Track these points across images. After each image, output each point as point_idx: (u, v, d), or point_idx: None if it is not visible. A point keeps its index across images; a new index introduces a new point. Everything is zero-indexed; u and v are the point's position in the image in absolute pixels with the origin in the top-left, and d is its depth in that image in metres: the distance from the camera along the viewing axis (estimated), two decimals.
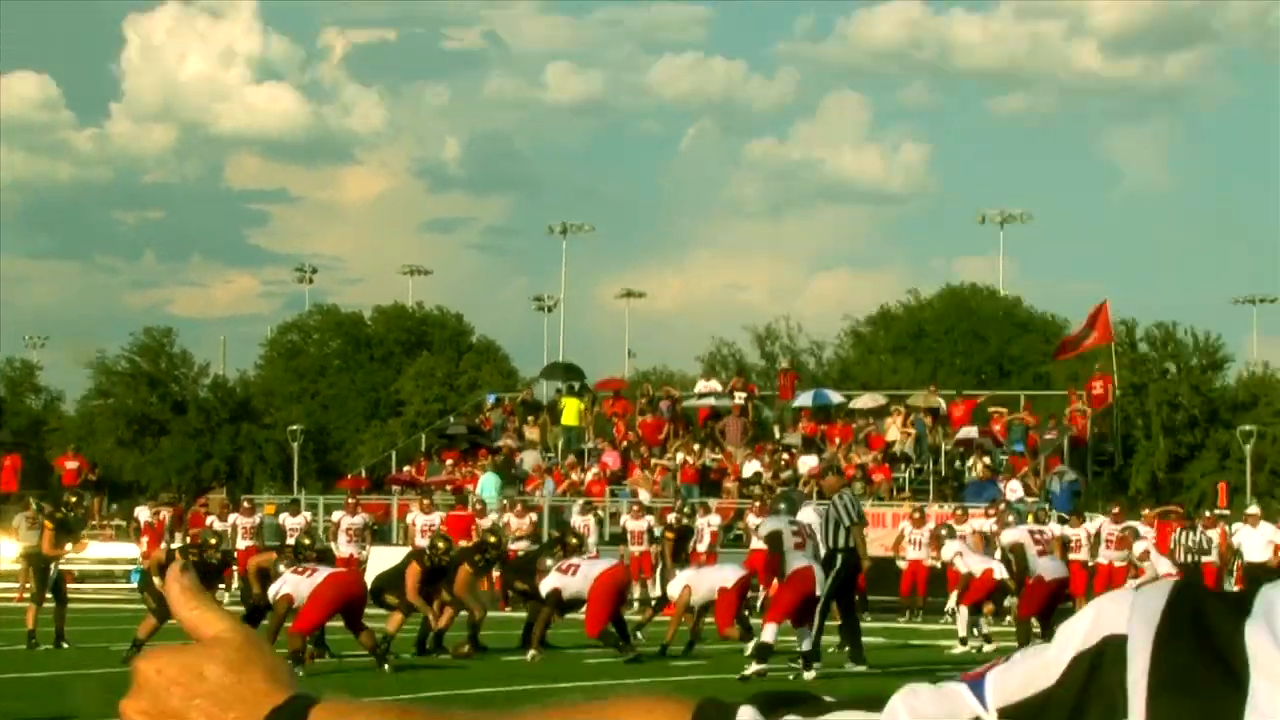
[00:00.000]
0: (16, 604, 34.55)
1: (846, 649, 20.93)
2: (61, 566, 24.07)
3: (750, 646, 20.09)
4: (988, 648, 23.04)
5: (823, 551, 20.17)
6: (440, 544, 21.31)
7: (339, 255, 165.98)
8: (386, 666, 19.35)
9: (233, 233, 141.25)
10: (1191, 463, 65.82)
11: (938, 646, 24.76)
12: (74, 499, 24.52)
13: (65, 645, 22.59)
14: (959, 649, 23.39)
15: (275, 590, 19.90)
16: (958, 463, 40.65)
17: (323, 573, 20.16)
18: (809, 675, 18.67)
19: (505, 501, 38.18)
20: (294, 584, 19.89)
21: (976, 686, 1.55)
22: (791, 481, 39.34)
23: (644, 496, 38.96)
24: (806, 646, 19.01)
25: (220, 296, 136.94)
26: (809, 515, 23.75)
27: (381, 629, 20.22)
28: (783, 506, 19.91)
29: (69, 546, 23.98)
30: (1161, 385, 66.48)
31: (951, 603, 25.69)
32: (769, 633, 18.65)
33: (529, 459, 43.84)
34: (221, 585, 24.05)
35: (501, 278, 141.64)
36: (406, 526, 37.55)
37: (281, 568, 20.18)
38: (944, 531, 26.78)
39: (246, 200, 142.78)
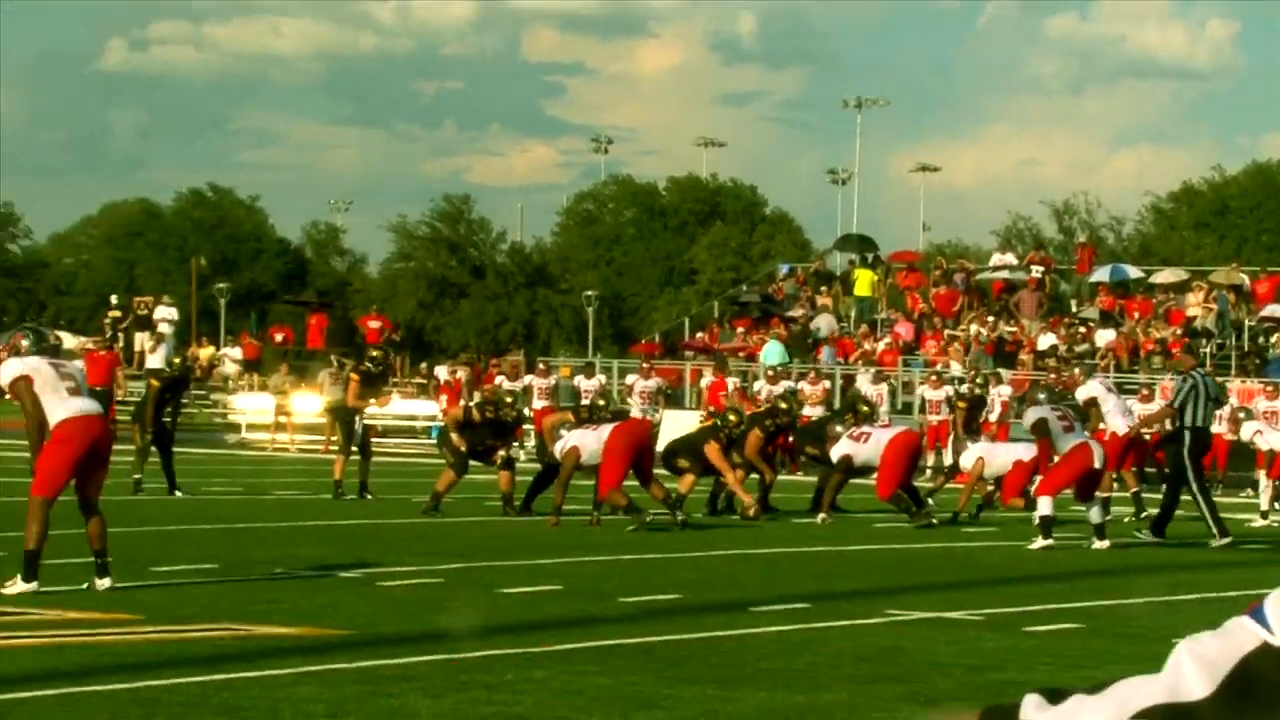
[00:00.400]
0: (322, 455, 35.74)
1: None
2: (365, 421, 24.70)
3: (1035, 518, 20.01)
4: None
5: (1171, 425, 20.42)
6: (732, 416, 21.47)
7: (634, 127, 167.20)
8: (679, 515, 19.59)
9: (530, 104, 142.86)
10: None
11: (1238, 520, 24.43)
12: (378, 354, 25.15)
13: (369, 496, 23.30)
14: (1259, 523, 23.06)
15: (562, 445, 20.21)
16: (1261, 339, 39.75)
17: (608, 426, 20.46)
18: (1101, 545, 18.56)
19: (808, 369, 38.42)
20: (579, 437, 20.18)
21: (1258, 614, 1.56)
22: (1088, 355, 38.87)
23: (955, 367, 38.73)
24: (1096, 519, 18.89)
25: (517, 165, 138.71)
26: (1095, 388, 23.62)
27: (674, 488, 20.50)
28: (1042, 396, 19.78)
29: (373, 400, 24.60)
30: None
31: (1262, 479, 25.32)
32: (1045, 505, 18.57)
33: (824, 324, 43.87)
34: (515, 443, 24.54)
35: (796, 151, 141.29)
36: (699, 391, 37.88)
37: (565, 428, 20.48)
38: (1241, 414, 26.32)
39: (544, 72, 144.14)
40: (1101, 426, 23.12)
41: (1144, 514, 23.29)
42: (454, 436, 21.54)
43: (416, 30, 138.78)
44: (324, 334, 51.84)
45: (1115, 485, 23.90)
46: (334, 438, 36.82)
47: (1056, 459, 18.89)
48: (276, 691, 8.52)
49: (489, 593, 12.90)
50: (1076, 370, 24.87)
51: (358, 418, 24.06)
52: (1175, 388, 20.22)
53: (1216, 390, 20.86)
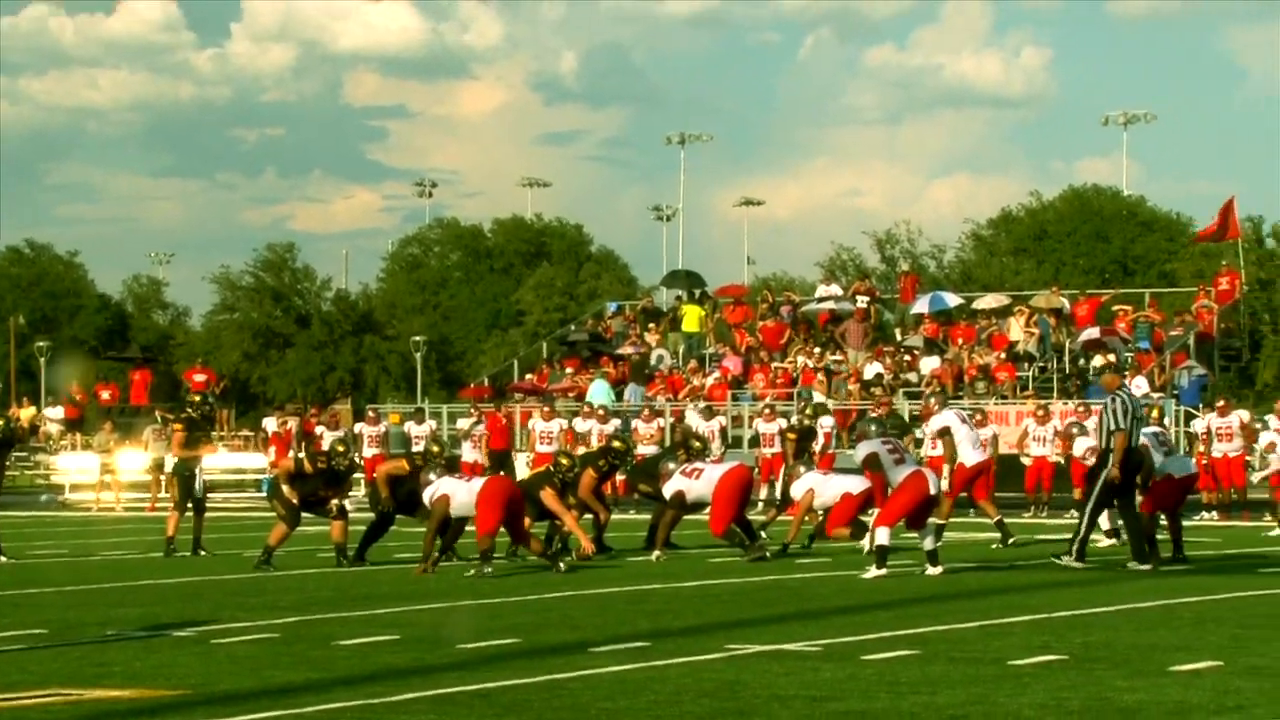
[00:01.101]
0: (149, 513, 35.29)
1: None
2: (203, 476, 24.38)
3: (866, 544, 20.21)
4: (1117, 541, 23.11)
5: (1098, 445, 20.59)
6: (564, 460, 21.45)
7: (457, 169, 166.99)
8: (562, 565, 19.62)
9: (352, 149, 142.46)
10: None
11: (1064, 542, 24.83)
12: (198, 398, 24.86)
13: (203, 553, 23.04)
14: (1105, 542, 23.41)
15: (431, 492, 20.08)
16: (1081, 361, 40.45)
17: (480, 479, 20.41)
18: (934, 571, 18.77)
19: (641, 406, 38.66)
20: (451, 486, 20.08)
21: None
22: (913, 383, 39.40)
23: (816, 395, 38.91)
24: (929, 545, 19.11)
25: (341, 212, 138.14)
26: (949, 418, 23.93)
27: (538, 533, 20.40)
28: (873, 429, 19.99)
29: (202, 448, 24.30)
30: None
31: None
32: (882, 535, 18.76)
33: (664, 359, 44.11)
34: (350, 493, 24.32)
35: (620, 188, 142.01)
36: (529, 433, 37.90)
37: (433, 476, 20.39)
38: (1075, 429, 26.67)
39: (365, 117, 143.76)
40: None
41: (1011, 540, 23.57)
42: (285, 489, 21.36)
43: (235, 78, 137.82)
44: (148, 390, 51.17)
45: (972, 513, 24.17)
46: (161, 495, 36.43)
47: (891, 490, 19.06)
48: None
49: (325, 645, 12.78)
50: (931, 400, 25.19)
51: (197, 471, 23.72)
52: (1104, 408, 20.37)
53: (1140, 409, 21.11)
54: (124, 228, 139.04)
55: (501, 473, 28.78)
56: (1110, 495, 20.32)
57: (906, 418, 35.24)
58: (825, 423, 35.26)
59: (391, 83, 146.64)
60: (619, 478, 27.67)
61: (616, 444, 24.01)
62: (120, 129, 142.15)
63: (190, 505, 23.42)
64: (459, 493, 19.85)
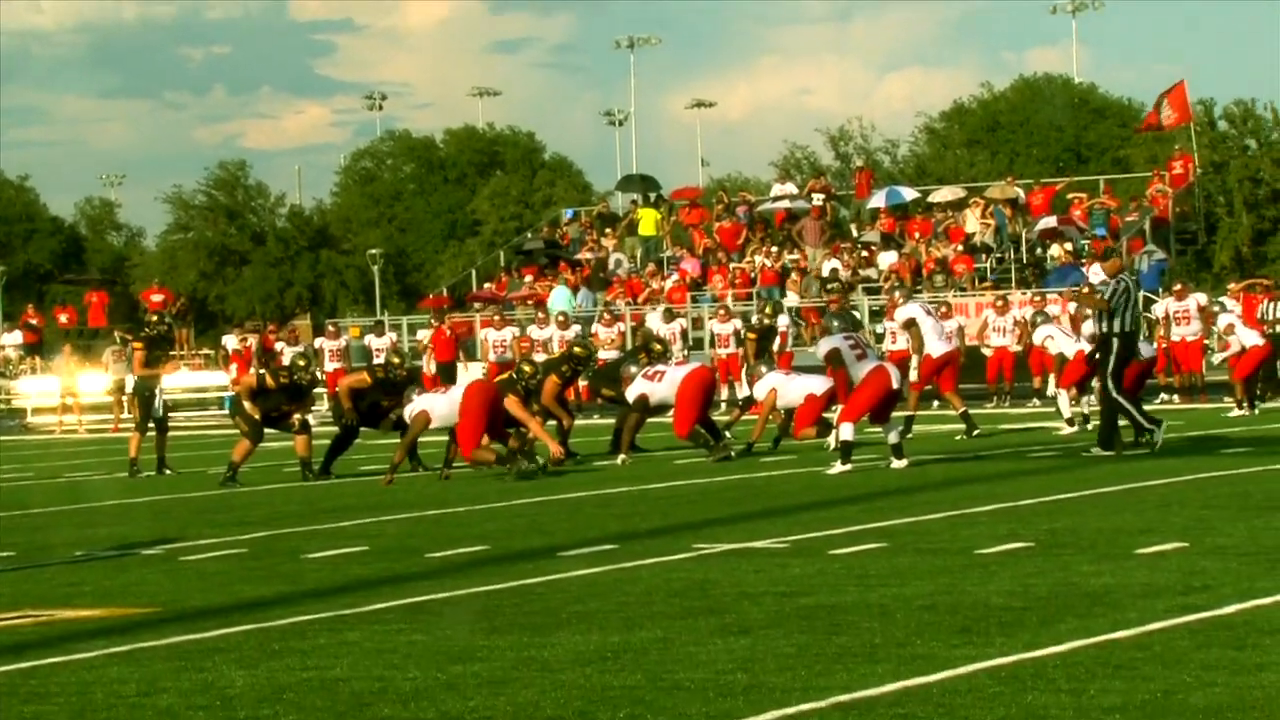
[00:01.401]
0: (112, 434, 35.26)
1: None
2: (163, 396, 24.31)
3: (831, 442, 20.29)
4: (1088, 427, 23.22)
5: (1094, 331, 20.56)
6: (527, 367, 21.43)
7: (407, 81, 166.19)
8: (538, 462, 19.72)
9: (300, 64, 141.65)
10: (1275, 236, 65.39)
11: (1041, 430, 25.00)
12: (155, 318, 24.71)
13: (168, 471, 23.01)
14: (1066, 430, 23.53)
15: (410, 410, 20.22)
16: (1039, 250, 40.56)
17: (457, 388, 20.54)
18: (900, 464, 18.83)
19: (601, 311, 38.68)
20: (429, 401, 20.23)
21: None
22: (870, 279, 39.49)
23: (791, 297, 39.01)
24: (893, 439, 19.16)
25: (291, 127, 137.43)
26: (913, 309, 24.07)
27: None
28: (835, 324, 20.04)
29: (162, 368, 24.19)
30: (1243, 161, 65.90)
31: (1051, 387, 25.71)
32: (846, 431, 18.80)
33: (622, 264, 44.09)
34: (313, 408, 24.33)
35: (570, 94, 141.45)
36: (480, 343, 37.89)
37: (415, 395, 20.54)
38: (1039, 318, 26.67)
39: (312, 31, 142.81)
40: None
41: (975, 431, 23.71)
42: (247, 405, 21.35)
43: None
44: (106, 311, 51.00)
45: (936, 405, 24.31)
46: (124, 416, 36.35)
47: (853, 386, 19.11)
48: (85, 675, 8.41)
49: (294, 559, 12.82)
50: (896, 293, 25.29)
51: (157, 391, 23.64)
52: (1107, 291, 20.25)
53: (1139, 293, 21.12)
54: (73, 150, 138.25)
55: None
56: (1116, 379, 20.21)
57: (864, 313, 35.36)
58: (782, 321, 35.33)
59: None
60: (581, 383, 27.70)
61: (578, 350, 24.02)
62: (65, 50, 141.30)
63: (153, 425, 23.35)
64: (439, 405, 20.01)
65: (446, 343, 38.28)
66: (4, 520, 17.42)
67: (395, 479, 19.83)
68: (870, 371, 19.01)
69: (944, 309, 33.65)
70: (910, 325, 23.91)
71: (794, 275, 40.38)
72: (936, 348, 24.16)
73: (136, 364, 23.74)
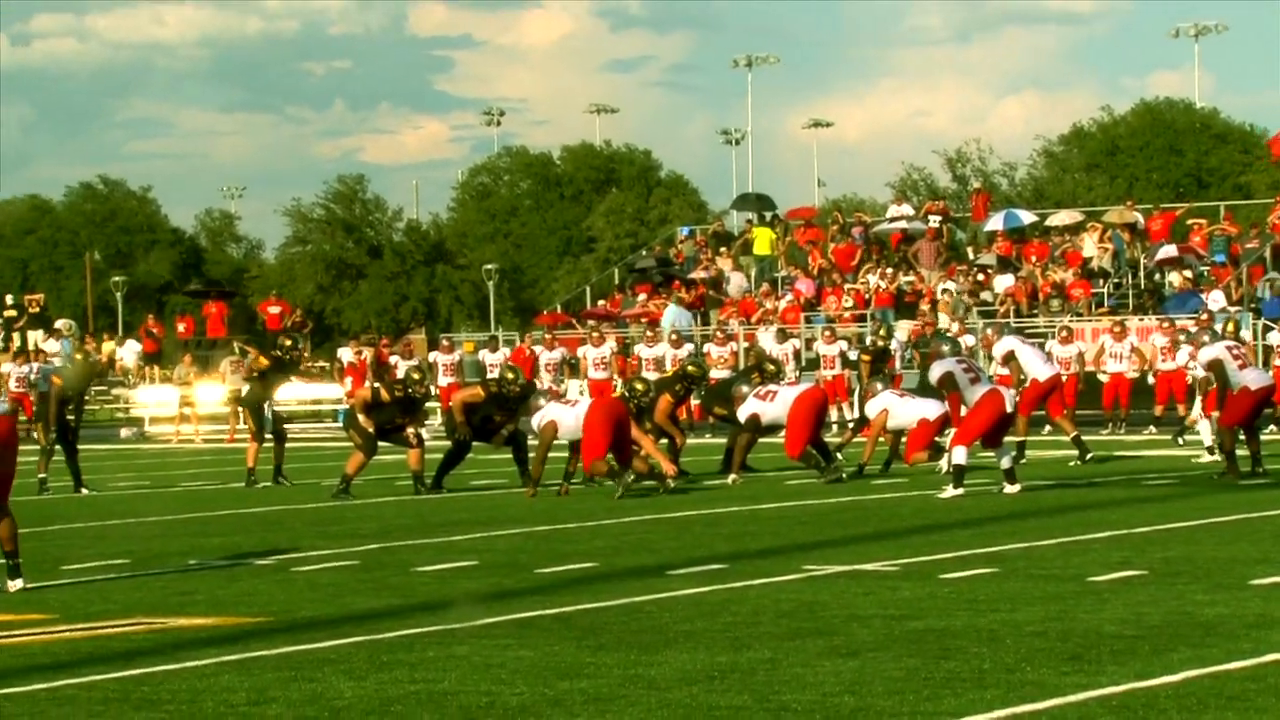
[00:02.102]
0: (228, 444, 35.60)
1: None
2: (275, 407, 24.53)
3: (944, 465, 20.20)
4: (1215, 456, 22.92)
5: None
6: (639, 385, 21.44)
7: (525, 98, 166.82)
8: (666, 484, 19.86)
9: (419, 79, 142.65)
10: None
11: (1168, 457, 24.76)
12: (288, 342, 24.82)
13: (285, 481, 23.19)
14: (1206, 458, 23.22)
15: (539, 419, 20.45)
16: (1157, 276, 40.18)
17: (585, 401, 20.73)
18: (1012, 489, 18.73)
19: (714, 330, 38.70)
20: (558, 412, 20.44)
21: None
22: (988, 301, 39.27)
23: (942, 319, 38.60)
24: (1006, 464, 19.07)
25: (410, 142, 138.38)
26: (1010, 343, 24.03)
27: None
28: (946, 349, 19.95)
29: (277, 385, 24.43)
30: None
31: (1196, 411, 25.03)
32: (959, 455, 18.74)
33: (735, 281, 44.05)
34: (426, 422, 24.46)
35: (687, 113, 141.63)
36: (579, 360, 37.74)
37: (542, 401, 20.77)
38: (1182, 337, 25.73)
39: (431, 47, 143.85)
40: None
41: (1089, 456, 23.48)
42: (361, 418, 21.48)
43: (301, 11, 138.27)
44: (224, 322, 51.52)
45: (1048, 430, 24.12)
46: (240, 426, 36.69)
47: (966, 410, 19.02)
48: (197, 683, 8.50)
49: (405, 572, 12.89)
50: (989, 330, 25.27)
51: (267, 404, 23.87)
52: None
53: None
54: (195, 163, 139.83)
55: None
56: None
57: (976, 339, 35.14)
58: (895, 343, 35.16)
59: (456, 12, 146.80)
60: (693, 402, 27.69)
61: (691, 368, 24.02)
62: (188, 64, 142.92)
63: (272, 435, 23.55)
64: (566, 417, 20.17)
65: (524, 362, 38.26)
66: (119, 528, 17.63)
67: (537, 491, 19.99)
68: (984, 395, 18.93)
69: (1064, 333, 33.45)
70: (1009, 359, 23.88)
71: (945, 298, 39.91)
72: (1042, 372, 24.01)
73: (259, 382, 23.96)
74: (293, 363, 24.83)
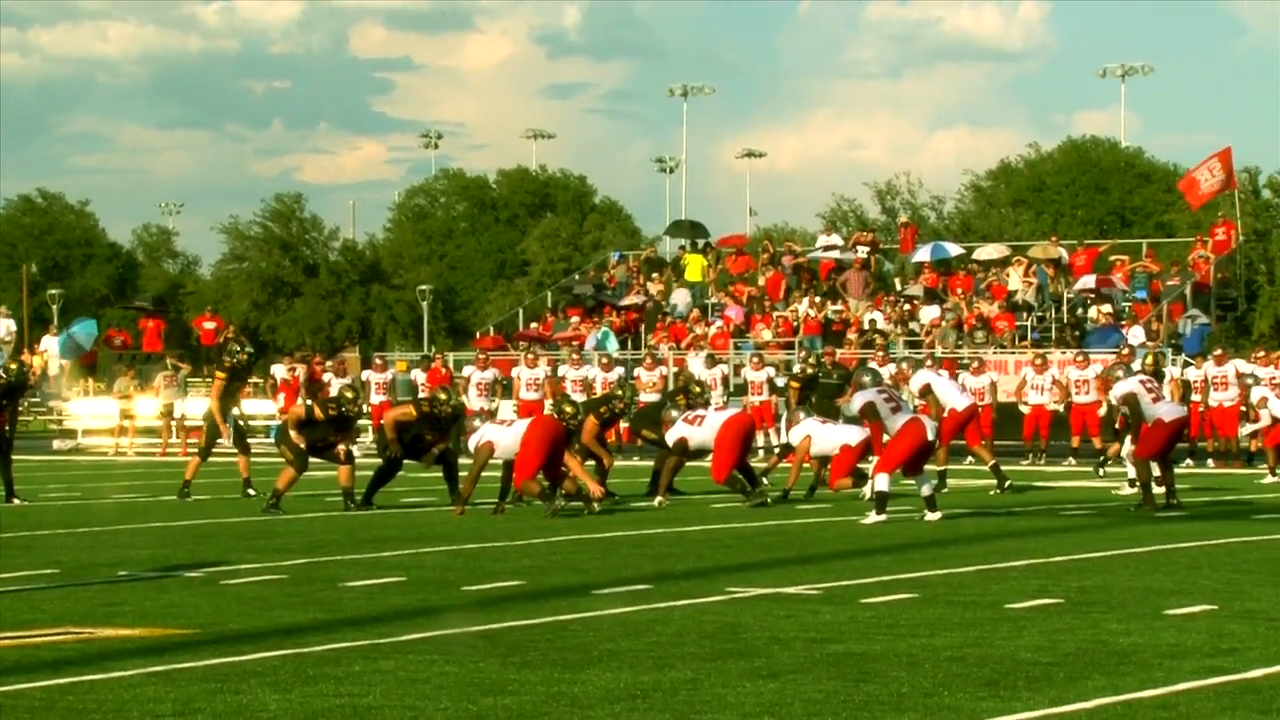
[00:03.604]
0: (160, 458, 35.52)
1: None
2: (193, 422, 24.55)
3: (866, 492, 20.43)
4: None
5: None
6: (568, 407, 21.55)
7: (463, 121, 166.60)
8: (592, 507, 20.03)
9: (358, 101, 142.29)
10: None
11: (1087, 488, 25.02)
12: (237, 347, 24.66)
13: (251, 492, 23.25)
14: (1127, 490, 23.44)
15: (476, 439, 20.69)
16: (1080, 310, 40.58)
17: (523, 422, 20.87)
18: (933, 517, 18.97)
19: (644, 354, 38.80)
20: (495, 433, 20.66)
21: None
22: (910, 333, 39.54)
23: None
24: (927, 491, 19.32)
25: (348, 163, 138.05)
26: (925, 376, 24.49)
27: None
28: (867, 379, 20.18)
29: (238, 396, 24.45)
30: None
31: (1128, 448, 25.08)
32: (882, 482, 18.98)
33: (680, 298, 44.22)
34: (358, 439, 24.52)
35: (623, 140, 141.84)
36: (512, 381, 37.75)
37: (477, 422, 21.00)
38: (1119, 372, 25.50)
39: (371, 69, 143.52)
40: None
41: (1007, 484, 23.76)
42: (293, 434, 21.55)
43: (242, 30, 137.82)
44: (160, 337, 51.36)
45: (969, 460, 24.34)
46: (172, 440, 36.67)
47: (888, 438, 19.23)
48: (123, 693, 8.56)
49: (333, 587, 12.98)
50: (904, 365, 25.58)
51: (234, 416, 23.96)
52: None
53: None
54: (134, 178, 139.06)
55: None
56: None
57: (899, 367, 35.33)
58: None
59: (397, 35, 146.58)
60: (622, 425, 27.80)
61: (619, 391, 24.21)
62: (129, 80, 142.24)
63: (239, 448, 23.71)
64: (504, 437, 20.33)
65: (442, 380, 38.21)
66: (49, 538, 17.63)
67: (466, 510, 20.13)
68: (905, 424, 19.16)
69: (975, 364, 33.77)
70: (926, 392, 24.31)
71: (944, 326, 39.96)
72: (959, 402, 24.51)
73: (215, 392, 23.91)
74: (246, 369, 24.77)
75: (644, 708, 8.16)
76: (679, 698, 8.41)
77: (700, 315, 43.49)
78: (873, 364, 31.52)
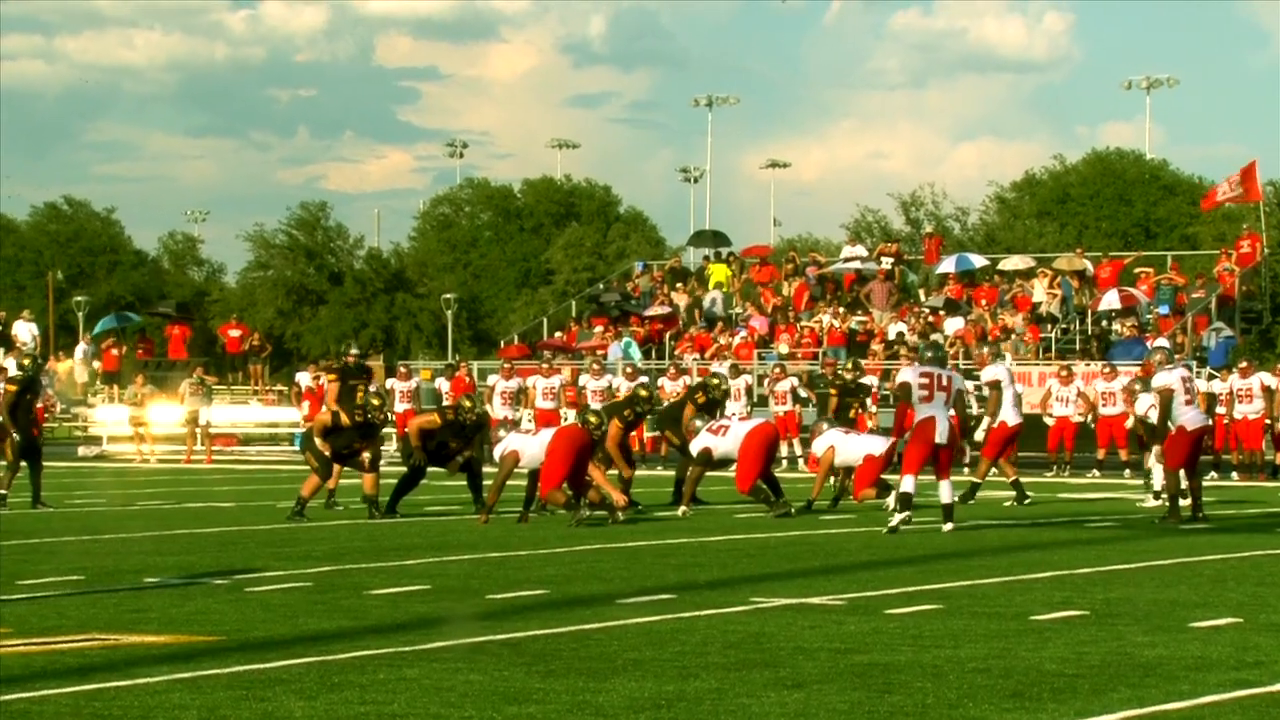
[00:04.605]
0: (184, 465, 35.61)
1: None
2: (224, 429, 24.48)
3: (890, 503, 20.28)
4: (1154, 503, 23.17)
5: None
6: (592, 418, 21.49)
7: (488, 130, 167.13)
8: (615, 516, 20.09)
9: (384, 110, 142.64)
10: None
11: (1124, 500, 24.97)
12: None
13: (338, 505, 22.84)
14: (1152, 502, 23.37)
15: (501, 449, 20.67)
16: (1104, 322, 40.53)
17: (548, 431, 20.88)
18: (947, 528, 18.85)
19: (669, 365, 38.81)
20: (520, 442, 20.65)
21: None
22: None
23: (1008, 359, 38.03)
24: (945, 500, 19.13)
25: (373, 172, 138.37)
26: (1000, 372, 23.81)
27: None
28: (928, 354, 19.71)
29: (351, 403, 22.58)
30: None
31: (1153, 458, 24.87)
32: (907, 483, 18.87)
33: (715, 301, 44.23)
34: (382, 447, 24.52)
35: (648, 150, 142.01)
36: (528, 390, 37.69)
37: (502, 432, 21.05)
38: (1138, 385, 24.97)
39: (397, 78, 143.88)
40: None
41: (1027, 500, 23.68)
42: (318, 441, 21.58)
43: (268, 38, 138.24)
44: (185, 344, 51.52)
45: (993, 473, 24.11)
46: (197, 447, 36.71)
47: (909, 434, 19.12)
48: (149, 700, 8.58)
49: (358, 594, 13.00)
50: (985, 350, 24.94)
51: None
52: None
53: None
54: (160, 186, 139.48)
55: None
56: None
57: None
58: (873, 380, 35.19)
59: (423, 44, 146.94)
60: (646, 434, 27.76)
61: (641, 392, 24.10)
62: (156, 88, 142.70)
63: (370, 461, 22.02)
64: (529, 447, 20.33)
65: (465, 389, 38.24)
66: (75, 544, 17.68)
67: (490, 519, 20.19)
68: (922, 420, 18.97)
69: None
70: (994, 387, 23.64)
71: (1014, 337, 39.70)
72: (1012, 417, 24.00)
73: (332, 396, 22.91)
74: (361, 370, 24.00)
75: (668, 717, 8.17)
76: (703, 707, 8.42)
77: (724, 325, 43.50)
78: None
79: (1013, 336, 39.41)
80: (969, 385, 22.82)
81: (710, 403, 23.35)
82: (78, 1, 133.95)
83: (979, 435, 23.44)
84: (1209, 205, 47.07)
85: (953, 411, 19.26)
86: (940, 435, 18.90)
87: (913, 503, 18.90)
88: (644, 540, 18.15)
